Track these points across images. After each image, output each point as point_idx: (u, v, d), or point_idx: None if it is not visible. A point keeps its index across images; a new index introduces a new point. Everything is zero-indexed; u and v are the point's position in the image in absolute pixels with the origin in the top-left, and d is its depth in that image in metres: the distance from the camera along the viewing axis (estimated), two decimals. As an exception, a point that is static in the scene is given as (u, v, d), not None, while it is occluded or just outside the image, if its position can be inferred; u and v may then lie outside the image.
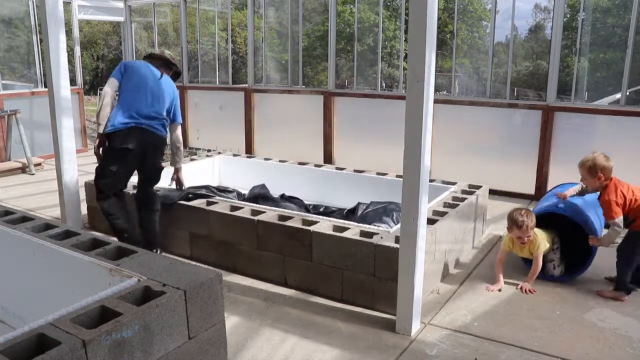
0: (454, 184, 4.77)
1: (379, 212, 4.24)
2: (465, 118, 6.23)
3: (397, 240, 3.21)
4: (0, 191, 6.29)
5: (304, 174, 5.63)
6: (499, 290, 3.64)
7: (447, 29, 20.92)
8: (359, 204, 4.45)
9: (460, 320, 3.24)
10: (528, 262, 3.80)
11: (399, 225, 3.21)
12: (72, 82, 8.05)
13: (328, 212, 4.72)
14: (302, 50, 8.15)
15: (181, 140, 4.36)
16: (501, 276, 3.73)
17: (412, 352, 2.89)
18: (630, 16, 5.28)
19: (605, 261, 3.83)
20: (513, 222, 3.62)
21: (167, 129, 4.17)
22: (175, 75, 4.36)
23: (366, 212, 4.28)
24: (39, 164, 7.46)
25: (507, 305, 3.43)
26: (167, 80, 4.17)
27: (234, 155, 6.42)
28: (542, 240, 3.66)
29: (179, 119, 4.29)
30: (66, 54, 4.49)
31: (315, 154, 7.17)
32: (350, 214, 4.37)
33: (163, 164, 4.21)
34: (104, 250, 2.50)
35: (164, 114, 4.09)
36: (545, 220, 3.80)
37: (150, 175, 4.11)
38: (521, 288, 3.62)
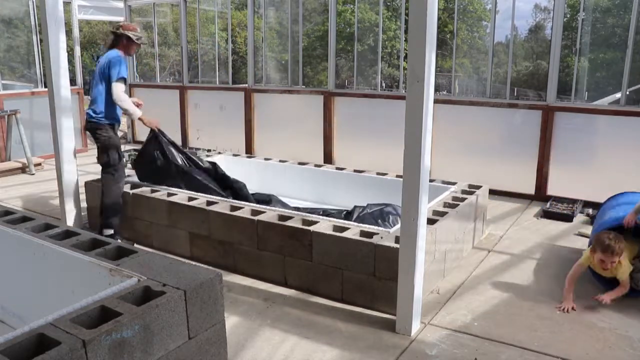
0: (454, 184, 4.77)
1: (374, 215, 4.23)
2: (465, 118, 6.23)
3: (397, 240, 3.21)
4: (0, 191, 6.30)
5: (304, 174, 5.63)
6: (573, 309, 3.34)
7: (447, 29, 20.93)
8: (355, 207, 4.45)
9: (460, 320, 3.24)
10: (603, 281, 3.57)
11: (398, 225, 3.21)
12: (72, 82, 8.03)
13: (326, 214, 4.72)
14: (302, 50, 8.15)
15: (119, 98, 4.41)
16: (572, 294, 3.43)
17: (412, 352, 2.89)
18: (630, 16, 5.28)
19: None
20: (599, 244, 3.32)
21: (102, 108, 4.48)
22: (128, 40, 4.59)
23: (362, 214, 4.27)
24: (39, 164, 7.46)
25: (507, 305, 3.43)
26: (103, 58, 4.51)
27: (234, 155, 6.42)
28: (627, 265, 3.39)
29: (113, 77, 4.38)
30: (66, 54, 4.49)
31: (315, 154, 7.17)
32: (348, 216, 4.37)
33: (108, 146, 4.52)
34: (104, 250, 2.50)
35: (97, 95, 4.47)
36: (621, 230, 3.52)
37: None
38: (597, 299, 3.33)
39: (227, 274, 3.84)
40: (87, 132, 4.74)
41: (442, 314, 3.31)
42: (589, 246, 3.62)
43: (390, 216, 4.22)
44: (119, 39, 4.59)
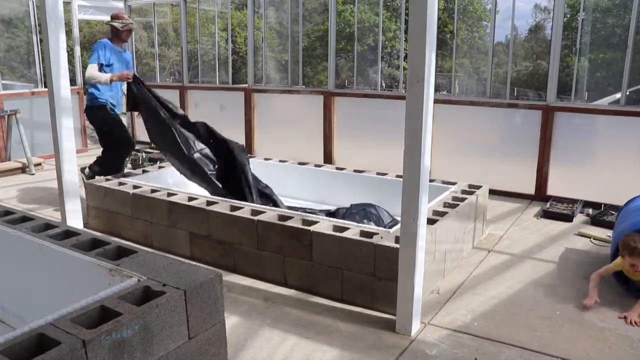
0: (454, 184, 4.77)
1: (359, 216, 4.19)
2: (465, 118, 6.23)
3: (397, 240, 3.21)
4: (0, 191, 6.30)
5: (304, 174, 5.63)
6: (596, 302, 3.36)
7: (447, 29, 20.92)
8: (338, 209, 4.42)
9: (460, 320, 3.24)
10: (633, 288, 3.52)
11: (399, 226, 3.21)
12: (72, 82, 8.04)
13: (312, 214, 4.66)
14: (302, 50, 8.15)
15: (91, 76, 5.20)
16: (596, 290, 3.43)
17: (412, 352, 2.89)
18: (630, 16, 5.28)
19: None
20: (626, 248, 3.31)
21: (90, 91, 5.36)
22: (117, 29, 5.41)
23: (345, 215, 4.24)
24: (39, 164, 7.46)
25: (507, 305, 3.43)
26: None
27: (234, 155, 6.41)
28: None
29: (89, 61, 5.24)
30: (66, 54, 4.49)
31: (315, 154, 7.17)
32: (331, 217, 4.33)
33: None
34: (104, 250, 2.50)
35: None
36: None
37: None
38: (625, 318, 3.22)
39: (227, 274, 3.84)
40: (87, 120, 5.66)
41: (442, 314, 3.31)
42: (613, 254, 3.58)
43: (373, 217, 4.21)
44: (111, 30, 5.38)
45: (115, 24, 5.33)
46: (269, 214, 3.91)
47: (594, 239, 4.59)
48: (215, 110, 8.42)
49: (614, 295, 3.54)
